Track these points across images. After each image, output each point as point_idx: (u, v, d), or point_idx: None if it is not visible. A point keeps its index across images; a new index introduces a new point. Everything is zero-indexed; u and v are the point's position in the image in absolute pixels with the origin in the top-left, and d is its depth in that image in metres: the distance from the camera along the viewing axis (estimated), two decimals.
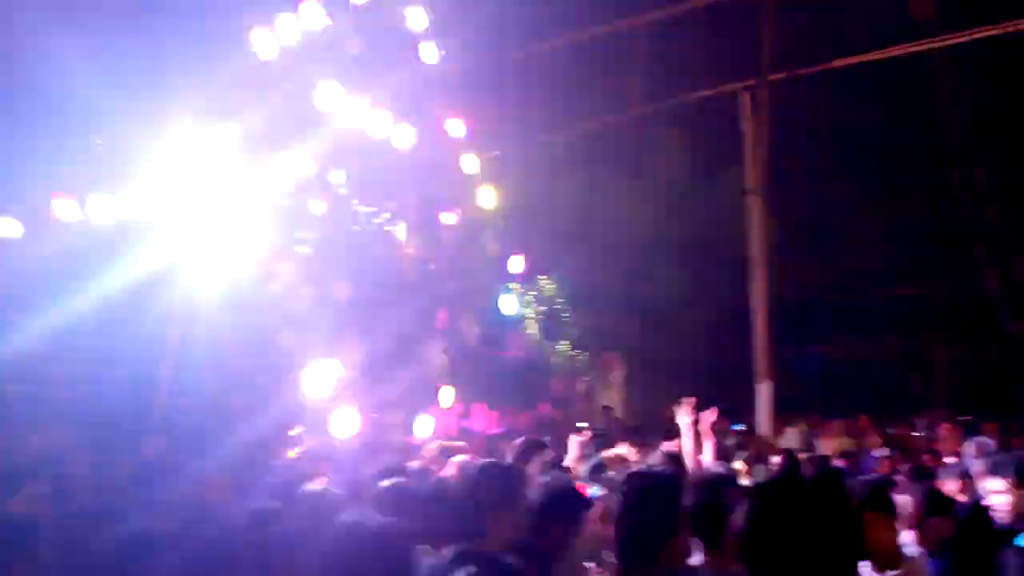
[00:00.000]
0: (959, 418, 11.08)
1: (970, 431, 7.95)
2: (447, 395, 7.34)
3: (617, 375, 15.91)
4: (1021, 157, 13.67)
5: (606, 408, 13.50)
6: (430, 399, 7.10)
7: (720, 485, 3.19)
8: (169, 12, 6.05)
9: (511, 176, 10.54)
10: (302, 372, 5.56)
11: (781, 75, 12.99)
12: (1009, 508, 3.73)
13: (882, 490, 3.68)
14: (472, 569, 2.76)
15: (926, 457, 8.49)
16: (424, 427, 6.67)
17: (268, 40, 6.16)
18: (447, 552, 2.97)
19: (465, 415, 10.41)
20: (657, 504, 2.71)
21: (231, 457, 5.21)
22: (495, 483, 3.17)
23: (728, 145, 14.01)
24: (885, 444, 10.30)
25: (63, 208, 6.28)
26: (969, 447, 5.91)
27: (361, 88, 6.28)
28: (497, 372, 13.91)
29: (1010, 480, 3.74)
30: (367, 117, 6.33)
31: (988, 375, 13.85)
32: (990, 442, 6.09)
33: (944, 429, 10.50)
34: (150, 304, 5.88)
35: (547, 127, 13.94)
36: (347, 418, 5.71)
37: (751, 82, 13.07)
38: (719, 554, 2.92)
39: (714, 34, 14.45)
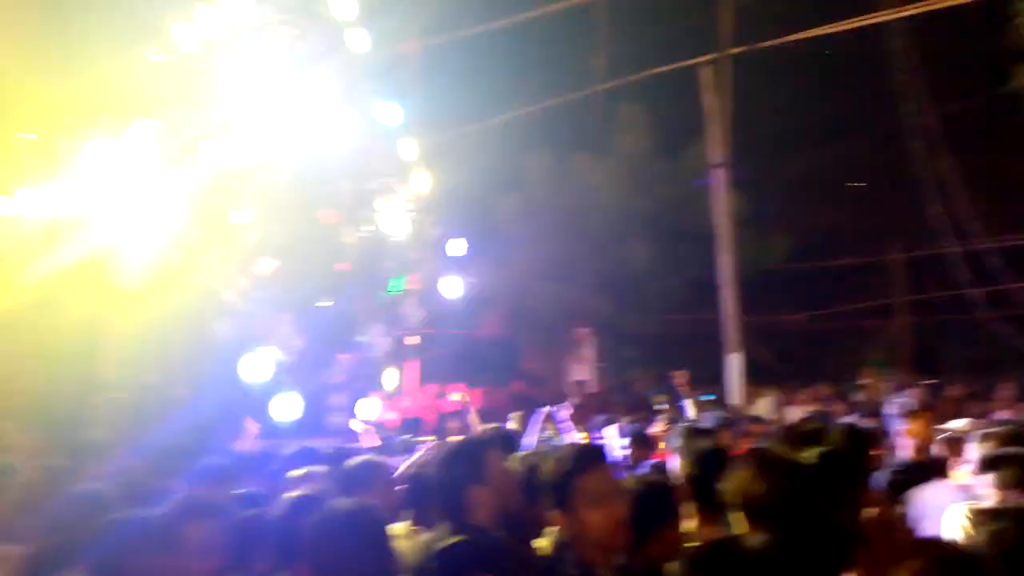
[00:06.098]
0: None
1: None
2: (391, 377, 7.38)
3: (589, 350, 16.04)
4: None
5: (579, 383, 13.61)
6: (375, 382, 7.14)
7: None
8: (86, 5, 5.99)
9: (463, 158, 10.54)
10: (241, 359, 5.59)
11: (741, 49, 13.01)
12: None
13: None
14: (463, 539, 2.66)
15: None
16: (368, 410, 6.73)
17: (188, 33, 6.11)
18: (436, 531, 2.89)
19: (441, 395, 10.52)
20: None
21: (179, 446, 5.24)
22: (473, 459, 3.08)
23: (691, 121, 14.07)
24: (848, 411, 10.46)
25: None
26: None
27: (290, 78, 6.25)
28: (469, 352, 14.00)
29: None
30: (298, 106, 6.32)
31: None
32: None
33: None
34: (83, 298, 5.90)
35: (506, 106, 13.91)
36: (288, 402, 5.77)
37: (711, 56, 13.09)
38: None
39: (674, 10, 14.43)
